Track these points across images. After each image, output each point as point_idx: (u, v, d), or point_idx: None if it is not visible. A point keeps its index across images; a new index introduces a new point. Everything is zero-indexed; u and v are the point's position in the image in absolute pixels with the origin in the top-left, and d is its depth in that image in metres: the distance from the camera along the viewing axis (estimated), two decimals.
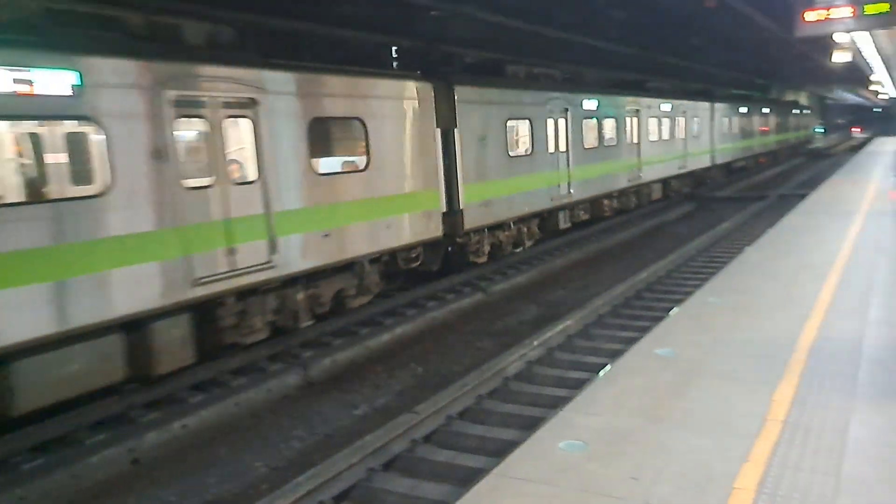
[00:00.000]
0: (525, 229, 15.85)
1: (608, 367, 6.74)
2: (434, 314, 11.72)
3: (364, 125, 10.80)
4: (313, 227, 9.83)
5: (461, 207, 12.91)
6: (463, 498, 4.49)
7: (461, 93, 12.95)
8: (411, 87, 11.89)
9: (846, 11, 10.08)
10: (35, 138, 7.27)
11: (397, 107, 11.54)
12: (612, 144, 19.26)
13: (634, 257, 16.30)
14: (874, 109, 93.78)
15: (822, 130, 69.50)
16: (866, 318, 7.67)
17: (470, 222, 13.19)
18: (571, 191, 16.98)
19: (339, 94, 10.46)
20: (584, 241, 18.01)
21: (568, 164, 16.76)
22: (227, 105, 8.66)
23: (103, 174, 7.37)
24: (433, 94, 12.28)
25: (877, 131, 74.45)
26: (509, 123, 14.52)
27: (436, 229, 12.45)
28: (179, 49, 8.50)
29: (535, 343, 9.47)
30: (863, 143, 57.21)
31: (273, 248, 9.14)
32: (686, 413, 5.41)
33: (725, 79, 37.68)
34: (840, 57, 20.74)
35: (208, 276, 8.30)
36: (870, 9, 9.87)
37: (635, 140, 20.82)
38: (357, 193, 10.66)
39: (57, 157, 7.18)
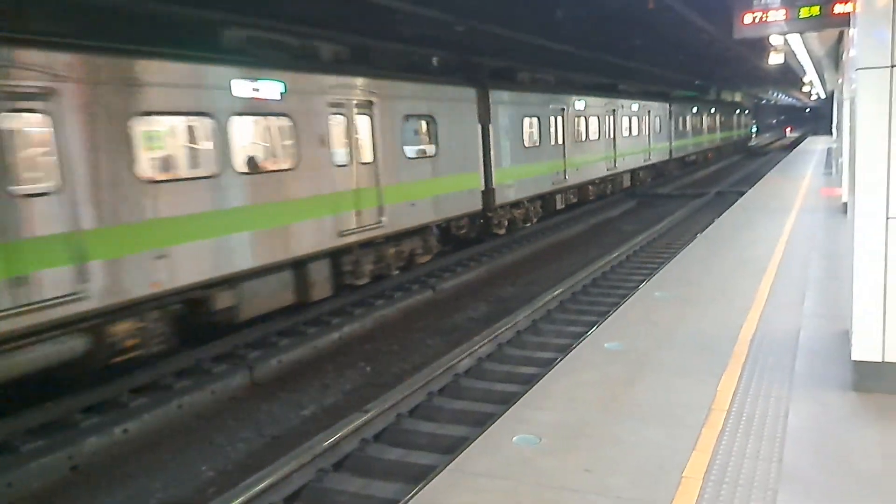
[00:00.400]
0: (532, 208, 19.10)
1: (559, 362, 6.81)
2: (383, 312, 11.66)
3: (434, 121, 13.97)
4: (404, 199, 12.90)
5: (493, 187, 16.17)
6: (419, 494, 4.48)
7: (494, 95, 16.23)
8: (462, 91, 15.23)
9: (781, 14, 10.37)
10: (260, 128, 10.30)
11: (454, 106, 14.79)
12: (594, 139, 22.81)
13: (581, 253, 16.54)
14: (805, 110, 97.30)
15: (756, 130, 72.32)
16: (802, 310, 7.95)
17: (499, 199, 16.52)
18: (567, 177, 20.48)
19: (419, 96, 13.60)
20: (532, 237, 18.20)
21: (564, 155, 20.19)
22: (357, 106, 11.67)
23: (295, 155, 10.38)
24: (476, 97, 15.59)
25: (808, 130, 77.32)
26: (525, 120, 17.81)
27: (477, 203, 15.74)
28: (331, 66, 11.80)
29: (485, 339, 9.51)
30: (795, 143, 59.38)
31: (381, 212, 12.21)
32: (636, 405, 5.51)
33: (667, 79, 38.57)
34: (775, 59, 21.45)
35: (346, 230, 11.39)
36: (803, 12, 10.19)
37: (612, 136, 24.44)
38: (429, 174, 13.83)
39: (273, 142, 10.44)
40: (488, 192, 16.00)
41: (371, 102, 11.94)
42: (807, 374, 5.95)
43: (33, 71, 7.09)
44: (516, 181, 17.28)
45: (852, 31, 7.72)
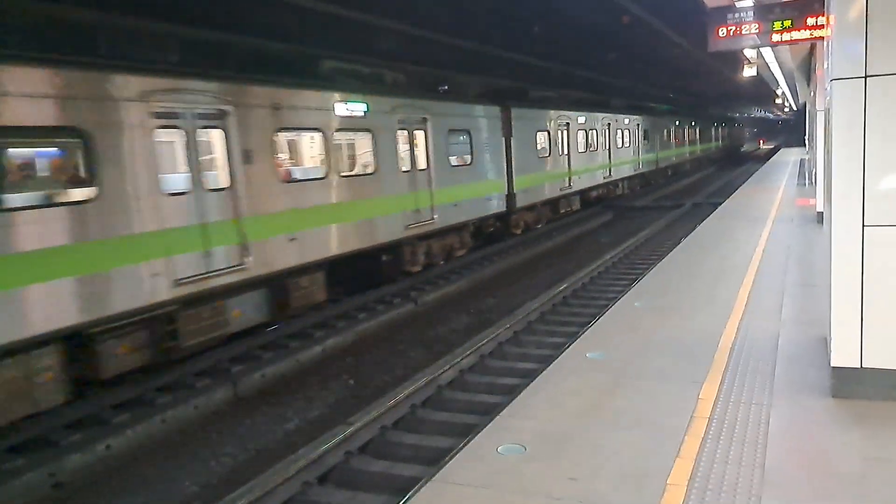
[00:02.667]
0: (544, 211, 21.63)
1: (543, 372, 6.84)
2: (365, 325, 11.64)
3: (470, 134, 16.53)
4: (449, 200, 15.43)
5: (514, 192, 18.47)
6: None
7: (514, 112, 18.54)
8: (490, 109, 17.66)
9: (754, 28, 10.59)
10: (354, 141, 13.21)
11: (487, 123, 17.37)
12: (593, 150, 24.92)
13: (560, 265, 16.64)
14: (778, 122, 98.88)
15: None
16: (780, 317, 8.07)
17: (519, 203, 18.81)
18: (571, 184, 22.99)
19: (460, 114, 16.31)
20: (512, 250, 18.28)
21: (569, 165, 22.67)
22: (416, 122, 14.29)
23: (374, 162, 12.93)
24: (500, 114, 18.00)
25: (780, 142, 78.55)
26: (538, 134, 20.39)
27: (502, 206, 18.19)
28: (400, 89, 15.03)
29: (467, 351, 9.53)
30: (770, 153, 60.53)
31: (433, 211, 14.74)
32: (619, 413, 5.56)
33: (642, 93, 39.08)
34: (748, 72, 21.85)
35: (411, 224, 14.01)
36: (776, 25, 10.42)
37: (608, 147, 26.69)
38: (467, 179, 16.40)
39: (362, 152, 13.27)
40: (510, 196, 18.48)
41: (426, 119, 14.58)
42: (786, 380, 6.03)
43: (214, 97, 9.37)
44: (532, 187, 19.85)
45: (825, 44, 7.92)
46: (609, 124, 26.98)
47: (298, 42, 14.03)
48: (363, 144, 13.16)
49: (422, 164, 14.51)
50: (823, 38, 9.46)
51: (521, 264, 17.21)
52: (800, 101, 41.14)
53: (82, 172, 7.96)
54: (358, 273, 13.33)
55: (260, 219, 10.07)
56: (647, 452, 4.84)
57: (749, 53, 18.66)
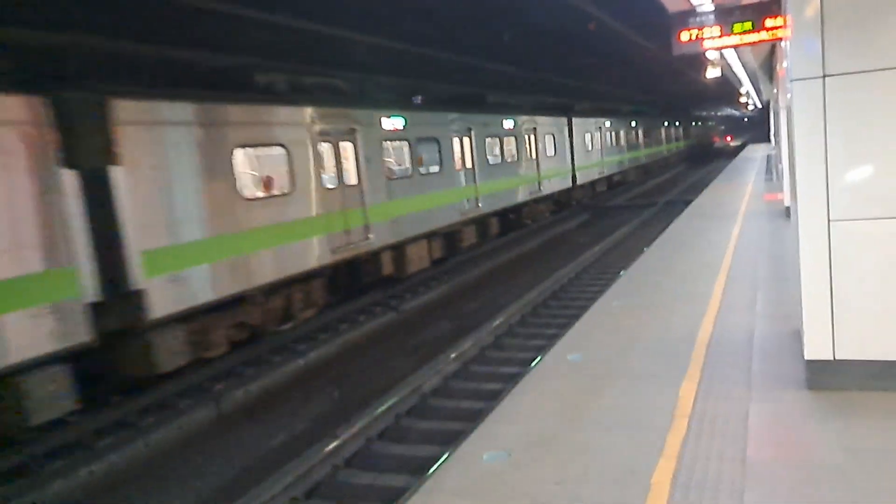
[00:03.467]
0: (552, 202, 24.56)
1: (525, 376, 6.91)
2: (347, 336, 11.65)
3: (501, 139, 20.03)
4: (490, 191, 18.70)
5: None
6: None
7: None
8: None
9: (716, 31, 10.80)
10: (394, 150, 15.18)
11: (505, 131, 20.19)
12: (551, 155, 24.89)
13: (539, 267, 16.76)
14: (743, 119, 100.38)
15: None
16: (754, 311, 8.23)
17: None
18: (577, 181, 26.56)
19: (488, 123, 19.25)
20: (491, 254, 18.39)
21: (572, 163, 26.37)
22: (461, 132, 17.47)
23: (411, 165, 15.28)
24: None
25: (747, 139, 79.79)
26: (547, 138, 23.66)
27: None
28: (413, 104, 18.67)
29: (451, 357, 9.58)
30: (738, 149, 61.86)
31: (478, 201, 18.04)
32: (602, 414, 5.64)
33: (615, 96, 39.52)
34: (712, 72, 22.20)
35: (464, 211, 17.33)
36: (737, 27, 10.63)
37: (571, 152, 26.78)
38: (496, 175, 19.44)
39: (402, 158, 15.51)
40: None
41: (470, 129, 17.95)
42: (763, 375, 6.16)
43: (349, 120, 12.96)
44: (549, 180, 23.47)
45: (784, 44, 8.11)
46: (535, 129, 23.33)
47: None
48: (404, 153, 15.46)
49: (469, 164, 17.82)
50: (782, 38, 9.69)
51: (500, 267, 17.32)
52: (763, 99, 41.86)
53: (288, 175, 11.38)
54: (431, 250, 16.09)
55: (375, 207, 13.46)
56: (631, 452, 4.92)
57: (712, 55, 18.98)
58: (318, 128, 11.99)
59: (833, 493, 4.21)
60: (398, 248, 14.56)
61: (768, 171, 29.73)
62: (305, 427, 8.46)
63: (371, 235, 13.25)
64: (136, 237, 8.57)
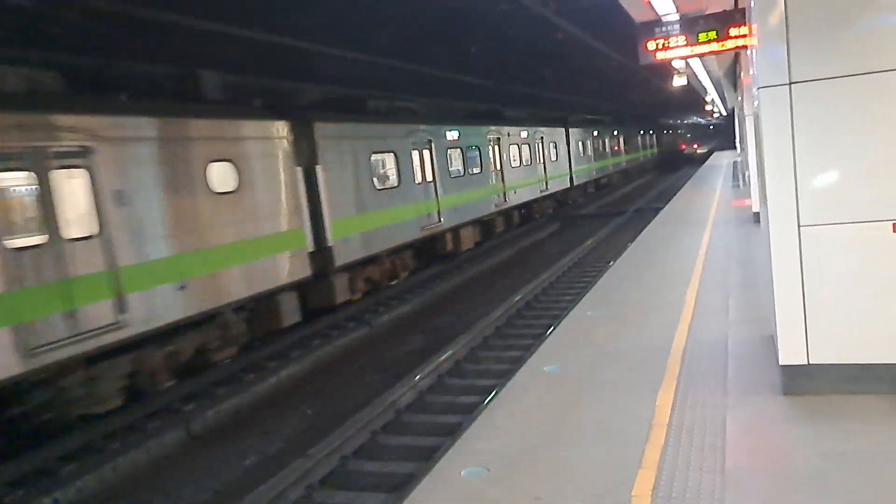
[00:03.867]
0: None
1: (501, 389, 6.85)
2: (320, 353, 11.49)
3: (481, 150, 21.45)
4: (513, 189, 22.95)
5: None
6: None
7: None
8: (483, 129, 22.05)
9: (681, 40, 10.93)
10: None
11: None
12: (476, 172, 23.81)
13: (512, 278, 16.76)
14: (709, 127, 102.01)
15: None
16: (727, 318, 8.27)
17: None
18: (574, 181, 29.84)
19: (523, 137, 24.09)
20: (463, 266, 18.34)
21: (570, 167, 30.42)
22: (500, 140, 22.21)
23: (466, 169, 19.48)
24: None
25: (713, 146, 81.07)
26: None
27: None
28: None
29: (425, 372, 9.48)
30: (705, 156, 63.01)
31: (507, 198, 22.52)
32: (580, 426, 5.59)
33: (580, 105, 39.96)
34: (678, 81, 22.55)
35: (498, 204, 21.87)
36: (702, 36, 10.77)
37: (542, 161, 27.65)
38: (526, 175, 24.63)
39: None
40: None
41: (499, 140, 22.04)
42: (739, 381, 6.17)
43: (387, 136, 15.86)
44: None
45: (749, 53, 8.20)
46: (542, 138, 26.79)
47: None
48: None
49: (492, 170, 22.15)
50: (747, 47, 9.82)
51: (473, 279, 17.28)
52: (728, 107, 42.58)
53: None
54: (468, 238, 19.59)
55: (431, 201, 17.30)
56: (610, 465, 4.87)
57: (678, 64, 19.25)
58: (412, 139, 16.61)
59: (812, 499, 4.20)
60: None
61: (735, 177, 30.15)
62: (279, 447, 8.29)
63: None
64: (329, 212, 12.97)
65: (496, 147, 22.10)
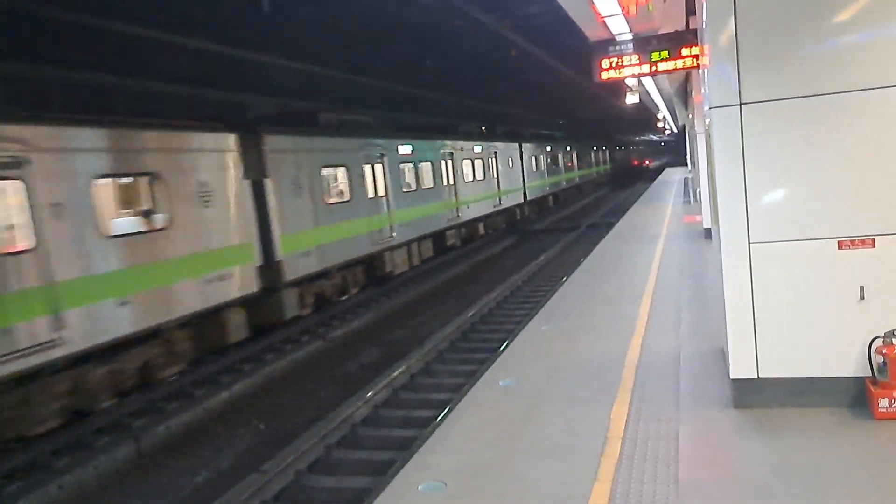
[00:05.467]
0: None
1: (457, 404, 6.84)
2: (273, 367, 11.31)
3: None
4: (466, 203, 23.08)
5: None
6: None
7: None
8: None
9: (635, 59, 11.18)
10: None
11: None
12: (507, 174, 28.53)
13: (467, 291, 16.80)
14: (661, 144, 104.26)
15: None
16: (679, 332, 8.42)
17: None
18: (394, 234, 18.74)
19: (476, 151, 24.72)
20: (417, 279, 18.32)
21: (524, 182, 30.65)
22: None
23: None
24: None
25: (664, 162, 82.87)
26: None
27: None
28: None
29: (379, 386, 9.42)
30: (657, 171, 64.55)
31: (460, 213, 22.55)
32: (536, 440, 5.62)
33: (531, 121, 40.46)
34: (631, 98, 23.02)
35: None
36: (654, 56, 11.03)
37: (495, 176, 27.23)
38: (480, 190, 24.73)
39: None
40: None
41: (453, 153, 22.34)
42: (691, 394, 6.28)
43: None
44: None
45: (701, 73, 8.43)
46: (495, 153, 26.88)
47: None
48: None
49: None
50: (698, 66, 10.09)
51: (428, 293, 17.25)
52: (679, 124, 43.61)
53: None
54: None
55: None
56: (566, 478, 4.90)
57: (631, 82, 19.65)
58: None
59: None
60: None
61: (686, 194, 30.84)
62: (230, 463, 8.12)
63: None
64: (278, 226, 12.73)
65: (449, 161, 22.10)
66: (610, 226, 22.22)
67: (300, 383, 10.80)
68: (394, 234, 17.50)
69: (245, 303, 11.86)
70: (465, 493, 4.83)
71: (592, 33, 11.61)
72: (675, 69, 11.34)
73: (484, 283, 17.72)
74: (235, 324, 11.57)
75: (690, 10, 10.35)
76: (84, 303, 8.66)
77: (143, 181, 10.06)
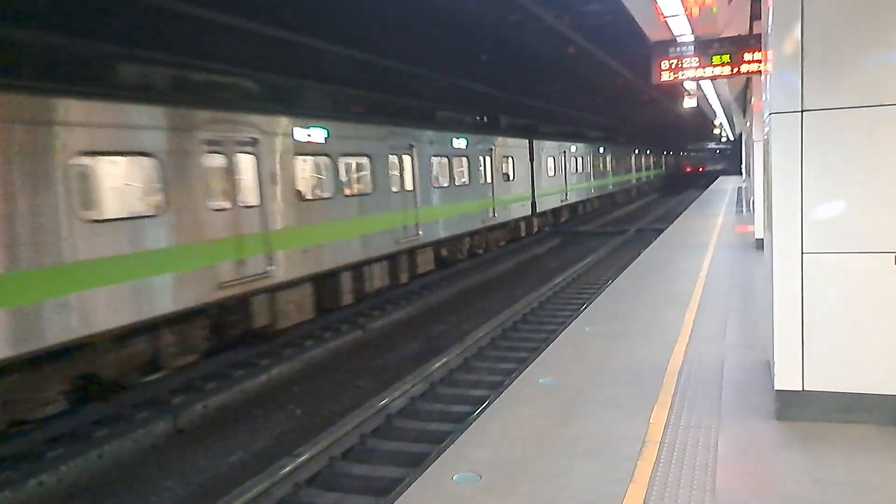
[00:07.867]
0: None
1: (496, 399, 6.82)
2: (312, 353, 11.45)
3: (512, 158, 22.76)
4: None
5: (535, 200, 23.84)
6: None
7: (535, 144, 24.78)
8: (525, 142, 24.10)
9: (695, 62, 10.98)
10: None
11: (520, 151, 23.44)
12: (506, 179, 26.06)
13: (509, 290, 16.74)
14: (715, 151, 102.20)
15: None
16: (724, 342, 8.24)
17: (540, 208, 24.98)
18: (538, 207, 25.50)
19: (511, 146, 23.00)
20: (460, 275, 18.32)
21: (533, 190, 26.90)
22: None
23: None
24: (529, 145, 24.29)
25: (719, 170, 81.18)
26: (548, 158, 26.33)
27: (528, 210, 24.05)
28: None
29: (417, 379, 9.45)
30: (709, 182, 63.00)
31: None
32: (573, 439, 5.56)
33: (587, 121, 40.04)
34: (689, 103, 22.64)
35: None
36: (715, 59, 10.82)
37: (564, 174, 29.11)
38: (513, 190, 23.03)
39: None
40: (533, 205, 24.71)
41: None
42: (733, 404, 6.14)
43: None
44: (546, 197, 26.54)
45: (763, 79, 8.23)
46: (565, 152, 28.31)
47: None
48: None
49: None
50: (760, 72, 9.85)
51: (470, 289, 17.25)
52: (736, 131, 42.69)
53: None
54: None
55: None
56: (601, 479, 4.84)
57: (689, 85, 19.31)
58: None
59: None
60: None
61: (739, 203, 30.17)
62: (266, 445, 8.25)
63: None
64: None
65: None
66: (658, 232, 21.87)
67: (338, 371, 10.91)
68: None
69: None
70: (499, 486, 4.81)
71: (653, 34, 11.41)
72: (736, 74, 11.11)
73: (528, 282, 17.62)
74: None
75: (755, 15, 10.11)
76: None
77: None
